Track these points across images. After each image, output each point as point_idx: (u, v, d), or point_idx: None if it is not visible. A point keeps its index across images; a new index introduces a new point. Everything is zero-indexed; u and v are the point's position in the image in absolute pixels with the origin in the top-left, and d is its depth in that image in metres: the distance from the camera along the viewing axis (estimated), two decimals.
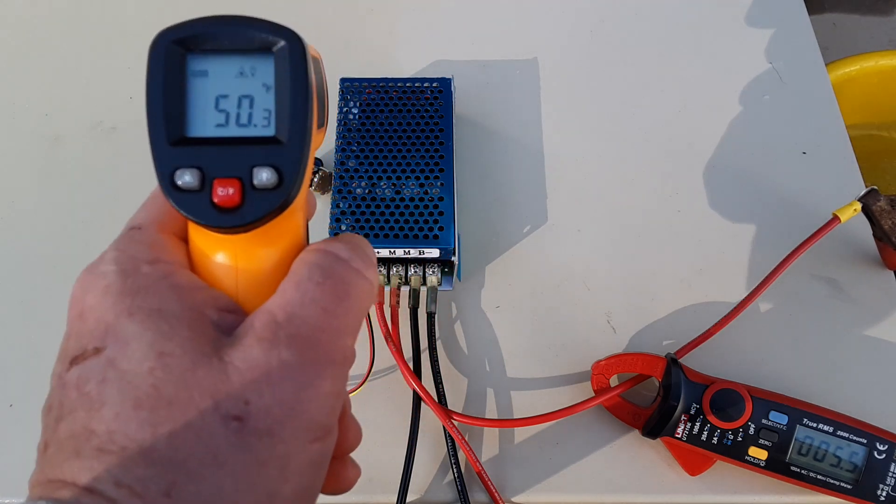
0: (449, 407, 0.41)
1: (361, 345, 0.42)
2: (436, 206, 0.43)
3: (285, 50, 0.21)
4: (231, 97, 0.21)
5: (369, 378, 0.43)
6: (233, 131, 0.21)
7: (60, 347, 0.21)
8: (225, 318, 0.20)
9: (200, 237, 0.22)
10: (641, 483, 0.40)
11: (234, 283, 0.22)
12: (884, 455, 0.37)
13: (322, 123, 0.24)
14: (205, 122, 0.21)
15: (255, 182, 0.20)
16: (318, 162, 0.49)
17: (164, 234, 0.22)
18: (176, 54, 0.21)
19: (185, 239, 0.23)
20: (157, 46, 0.21)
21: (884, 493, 0.37)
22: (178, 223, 0.22)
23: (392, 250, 0.42)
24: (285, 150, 0.21)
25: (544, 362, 0.44)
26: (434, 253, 0.43)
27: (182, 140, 0.21)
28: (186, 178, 0.20)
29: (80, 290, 0.21)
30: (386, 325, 0.42)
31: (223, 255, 0.22)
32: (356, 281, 0.21)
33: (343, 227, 0.42)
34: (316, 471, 0.20)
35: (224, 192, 0.20)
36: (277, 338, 0.19)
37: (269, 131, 0.21)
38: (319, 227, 0.46)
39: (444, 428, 0.40)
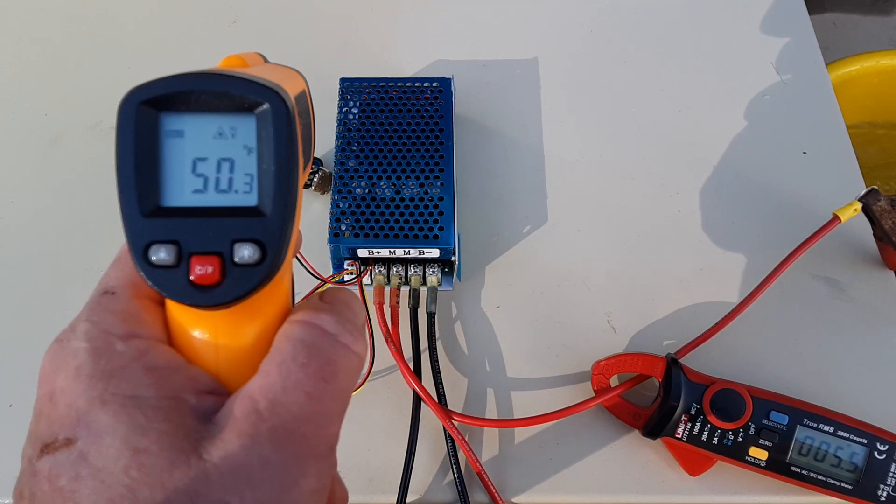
0: (449, 407, 0.41)
1: None
2: (436, 206, 0.43)
3: (268, 113, 0.19)
4: (209, 160, 0.19)
5: (369, 378, 0.43)
6: (212, 199, 0.19)
7: (31, 426, 0.19)
8: (204, 401, 0.19)
9: (178, 310, 0.20)
10: (642, 483, 0.40)
11: (215, 359, 0.20)
12: (884, 455, 0.37)
13: (308, 162, 0.22)
14: (181, 189, 0.19)
15: (237, 258, 0.19)
16: (317, 162, 0.49)
17: (140, 301, 0.21)
18: (148, 113, 0.19)
19: (162, 302, 0.21)
20: (127, 106, 0.19)
21: (884, 494, 0.37)
22: None
23: (392, 250, 0.42)
24: (269, 222, 0.19)
25: (544, 362, 0.44)
26: (434, 253, 0.43)
27: (156, 210, 0.19)
28: (161, 254, 0.18)
29: (49, 368, 0.19)
30: (386, 325, 0.42)
31: (203, 331, 0.20)
32: (344, 359, 0.20)
33: (343, 227, 0.42)
34: None
35: (202, 270, 0.18)
36: (259, 432, 0.18)
37: (252, 200, 0.19)
38: (319, 226, 0.46)
39: (444, 428, 0.40)
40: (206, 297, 0.19)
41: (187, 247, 0.19)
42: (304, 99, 0.22)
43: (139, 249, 0.19)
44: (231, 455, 0.18)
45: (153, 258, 0.19)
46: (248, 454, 0.18)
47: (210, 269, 0.18)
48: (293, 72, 0.24)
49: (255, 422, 0.18)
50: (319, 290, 0.43)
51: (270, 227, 0.19)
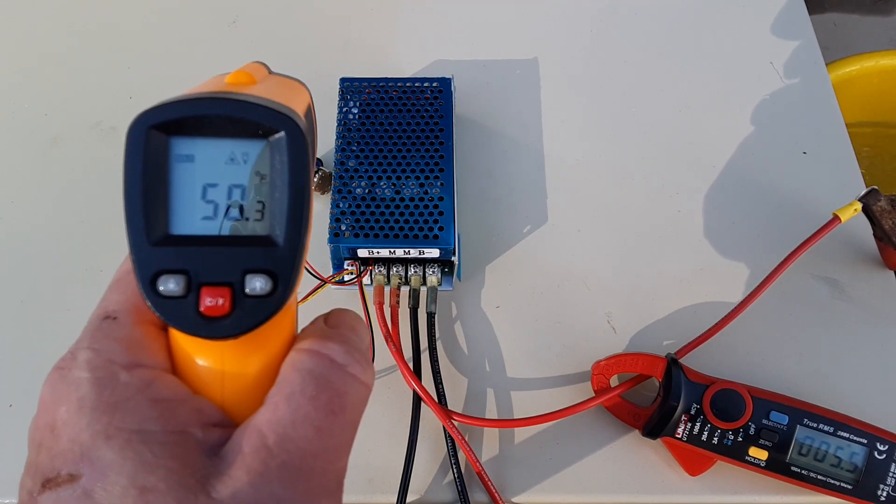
0: (449, 407, 0.41)
1: None
2: (436, 206, 0.43)
3: (283, 141, 0.19)
4: (220, 186, 0.19)
5: None
6: (222, 227, 0.19)
7: (29, 457, 0.19)
8: (211, 435, 0.19)
9: (184, 339, 0.20)
10: (641, 483, 0.40)
11: (221, 390, 0.20)
12: (884, 455, 0.37)
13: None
14: (190, 216, 0.19)
15: (248, 289, 0.18)
16: (317, 162, 0.49)
17: (142, 327, 0.20)
18: (158, 137, 0.19)
19: (165, 327, 0.21)
20: (136, 130, 0.18)
21: (884, 494, 0.37)
22: None
23: (392, 250, 0.42)
24: (281, 253, 0.18)
25: (544, 362, 0.44)
26: (434, 253, 0.43)
27: (165, 239, 0.18)
28: (170, 284, 0.18)
29: (50, 398, 0.19)
30: (386, 325, 0.42)
31: (209, 360, 0.20)
32: (353, 390, 0.20)
33: (343, 227, 0.42)
34: None
35: (213, 302, 0.18)
36: (269, 469, 0.18)
37: (264, 229, 0.19)
38: (319, 226, 0.46)
39: (444, 428, 0.40)
40: (216, 329, 0.18)
41: (197, 277, 0.18)
42: (310, 115, 0.22)
43: (147, 279, 0.18)
44: (241, 493, 0.17)
45: (161, 288, 0.18)
46: (258, 492, 0.17)
47: (221, 301, 0.18)
48: (298, 85, 0.23)
49: (264, 458, 0.18)
50: (319, 290, 0.43)
51: (283, 257, 0.18)
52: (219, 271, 0.18)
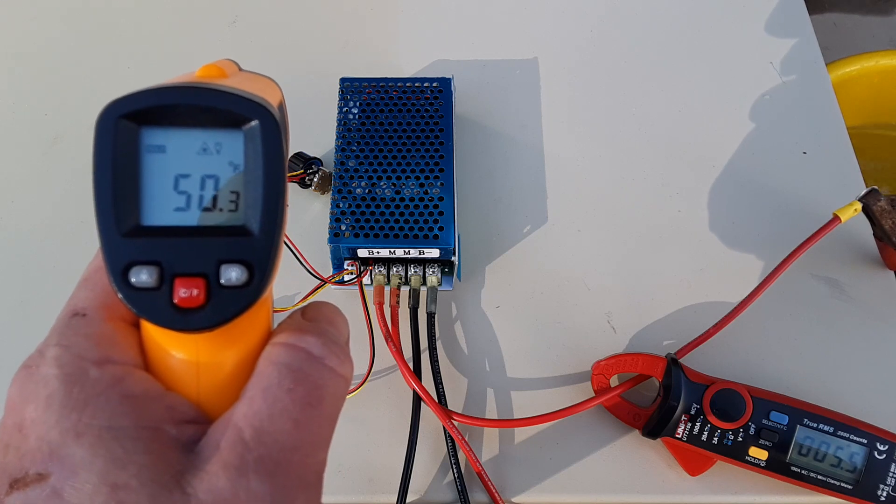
0: (449, 407, 0.41)
1: (362, 345, 0.42)
2: (436, 206, 0.43)
3: (257, 129, 0.18)
4: (193, 177, 0.18)
5: (369, 378, 0.43)
6: (195, 218, 0.18)
7: None
8: (185, 431, 0.18)
9: (157, 333, 0.19)
10: (641, 483, 0.40)
11: (196, 385, 0.19)
12: (884, 455, 0.37)
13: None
14: (162, 207, 0.18)
15: (223, 280, 0.18)
16: (317, 162, 0.49)
17: (113, 323, 0.20)
18: (128, 127, 0.18)
19: (136, 324, 0.20)
20: (105, 119, 0.18)
21: (884, 494, 0.37)
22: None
23: (392, 250, 0.42)
24: (256, 242, 0.18)
25: (544, 362, 0.44)
26: (434, 253, 0.43)
27: (136, 230, 0.18)
28: (143, 276, 0.18)
29: (18, 397, 0.18)
30: (386, 325, 0.42)
31: (183, 355, 0.19)
32: (331, 383, 0.19)
33: (343, 227, 0.42)
34: None
35: (187, 293, 0.18)
36: (245, 463, 0.17)
37: (238, 219, 0.18)
38: (319, 226, 0.46)
39: (444, 428, 0.40)
40: (190, 321, 0.18)
41: (170, 268, 0.18)
42: (283, 110, 0.22)
43: (118, 271, 0.18)
44: (217, 489, 0.17)
45: (133, 280, 0.18)
46: (234, 487, 0.17)
47: (195, 292, 0.18)
48: (270, 81, 0.23)
49: (241, 452, 0.17)
50: (319, 290, 0.43)
51: (258, 246, 0.18)
52: (192, 262, 0.18)
